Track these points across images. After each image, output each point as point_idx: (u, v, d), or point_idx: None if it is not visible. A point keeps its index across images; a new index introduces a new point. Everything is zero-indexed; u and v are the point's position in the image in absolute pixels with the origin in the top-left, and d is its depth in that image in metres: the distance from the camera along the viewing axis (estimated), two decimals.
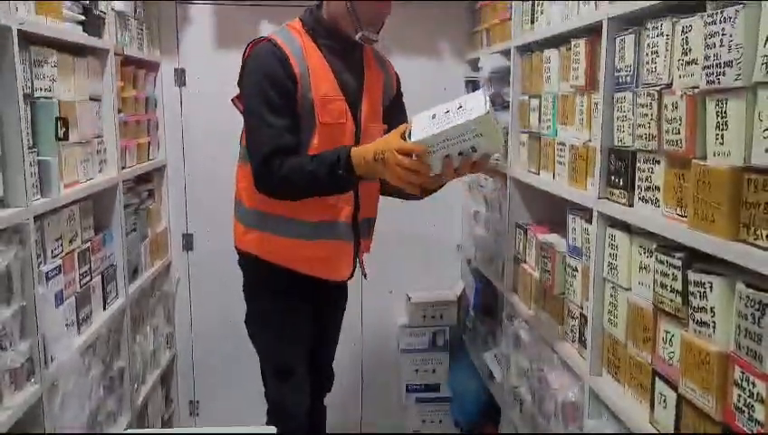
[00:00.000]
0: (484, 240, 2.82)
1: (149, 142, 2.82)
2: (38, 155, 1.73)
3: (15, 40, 1.55)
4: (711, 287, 1.18)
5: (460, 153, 1.53)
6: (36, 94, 1.73)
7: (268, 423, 2.03)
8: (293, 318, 1.95)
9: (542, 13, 2.09)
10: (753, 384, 1.07)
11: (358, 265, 2.00)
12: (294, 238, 1.86)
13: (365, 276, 2.05)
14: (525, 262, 2.28)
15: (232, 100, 1.89)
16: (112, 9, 2.32)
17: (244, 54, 1.85)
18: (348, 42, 1.85)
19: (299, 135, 1.78)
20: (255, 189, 1.78)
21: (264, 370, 2.04)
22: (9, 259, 1.51)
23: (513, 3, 2.32)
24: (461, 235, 3.26)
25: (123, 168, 2.41)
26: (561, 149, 1.90)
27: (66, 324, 1.86)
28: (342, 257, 1.94)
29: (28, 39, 1.68)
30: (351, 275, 2.00)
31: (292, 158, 1.73)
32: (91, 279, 2.08)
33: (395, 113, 2.00)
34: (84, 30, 2.07)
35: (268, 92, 1.74)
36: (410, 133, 1.56)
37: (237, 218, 1.98)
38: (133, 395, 2.48)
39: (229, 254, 2.07)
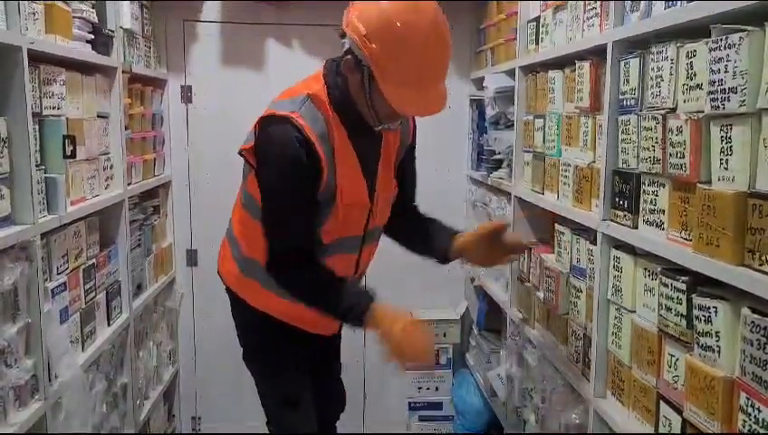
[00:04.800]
0: None
1: (155, 158, 2.83)
2: (45, 172, 1.74)
3: (26, 59, 1.57)
4: (716, 312, 1.18)
5: None
6: (45, 112, 1.74)
7: None
8: (290, 349, 1.89)
9: (546, 34, 2.11)
10: (759, 410, 1.06)
11: None
12: (290, 301, 1.76)
13: None
14: (529, 281, 2.28)
15: (240, 153, 1.72)
16: (121, 27, 2.35)
17: (258, 124, 1.65)
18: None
19: (316, 221, 1.69)
20: (268, 263, 1.70)
21: (267, 404, 2.00)
22: (15, 276, 1.51)
23: (518, 24, 2.34)
24: None
25: (129, 184, 2.42)
26: (565, 170, 1.91)
27: (71, 341, 1.86)
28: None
29: (38, 58, 1.70)
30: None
31: (313, 268, 1.67)
32: (95, 295, 2.09)
33: (406, 164, 1.90)
34: (93, 48, 2.09)
35: (291, 183, 1.61)
36: None
37: (234, 259, 1.89)
38: (136, 411, 2.47)
39: None
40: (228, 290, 1.96)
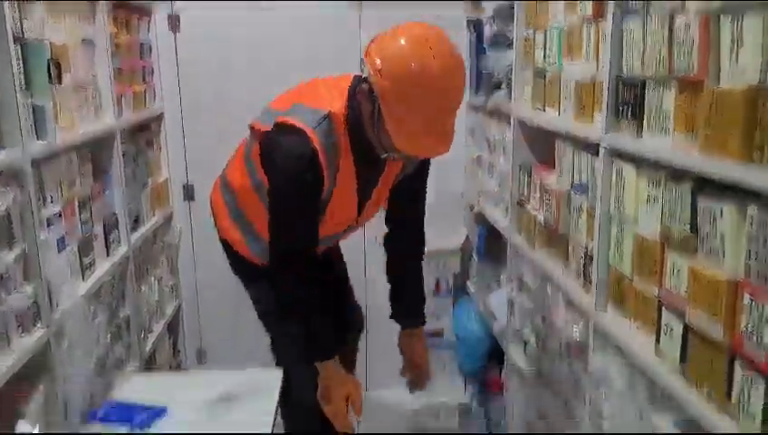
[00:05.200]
0: (488, 184, 2.79)
1: (146, 90, 2.76)
2: (32, 98, 1.69)
3: None
4: (721, 213, 1.16)
5: None
6: (26, 35, 1.67)
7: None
8: None
9: None
10: (762, 307, 1.06)
11: None
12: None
13: None
14: (529, 203, 2.26)
15: (249, 125, 1.83)
16: None
17: (274, 127, 1.71)
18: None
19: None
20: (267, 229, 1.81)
21: (267, 325, 2.05)
22: (8, 202, 1.49)
23: None
24: (463, 182, 3.23)
25: (120, 115, 2.36)
26: (566, 84, 1.86)
27: (69, 271, 1.85)
28: None
29: None
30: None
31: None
32: (92, 226, 2.07)
33: (416, 183, 1.97)
34: None
35: (297, 193, 1.70)
36: None
37: (225, 203, 1.99)
38: (141, 343, 2.50)
39: None
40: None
